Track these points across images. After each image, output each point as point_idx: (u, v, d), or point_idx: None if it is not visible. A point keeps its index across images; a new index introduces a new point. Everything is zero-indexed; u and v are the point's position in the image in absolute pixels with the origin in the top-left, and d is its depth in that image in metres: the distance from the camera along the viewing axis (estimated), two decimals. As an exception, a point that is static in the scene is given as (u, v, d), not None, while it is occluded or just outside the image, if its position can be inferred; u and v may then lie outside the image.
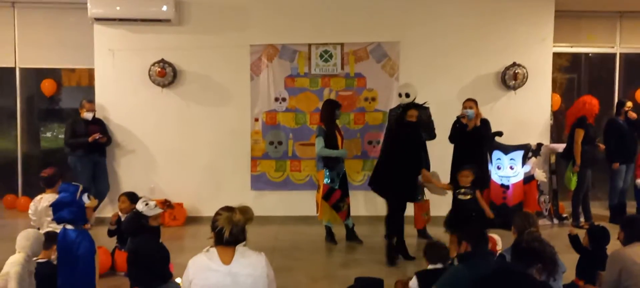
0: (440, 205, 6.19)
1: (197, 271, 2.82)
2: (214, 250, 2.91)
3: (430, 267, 3.86)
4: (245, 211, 3.00)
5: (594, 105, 7.02)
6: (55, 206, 3.96)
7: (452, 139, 6.25)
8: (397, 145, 5.69)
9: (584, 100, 7.12)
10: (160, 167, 7.42)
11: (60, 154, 8.81)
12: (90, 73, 8.24)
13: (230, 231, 2.89)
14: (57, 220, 3.94)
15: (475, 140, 6.04)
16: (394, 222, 5.65)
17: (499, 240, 4.60)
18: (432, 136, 6.36)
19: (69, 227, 3.89)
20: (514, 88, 7.39)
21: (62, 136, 9.01)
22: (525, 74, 7.33)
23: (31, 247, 3.90)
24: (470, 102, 6.08)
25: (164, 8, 6.96)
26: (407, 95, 6.41)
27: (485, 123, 6.19)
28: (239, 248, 2.93)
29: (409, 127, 5.61)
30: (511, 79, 7.33)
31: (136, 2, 6.99)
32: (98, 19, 7.04)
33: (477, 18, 7.41)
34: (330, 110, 6.21)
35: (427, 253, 3.93)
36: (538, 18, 7.43)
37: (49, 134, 8.94)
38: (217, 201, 7.21)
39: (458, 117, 6.13)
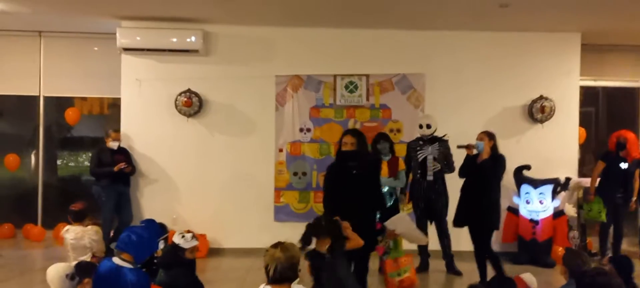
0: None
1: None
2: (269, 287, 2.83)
3: None
4: (287, 248, 2.95)
5: (612, 139, 6.96)
6: (130, 234, 3.67)
7: (461, 172, 5.69)
8: (331, 183, 4.91)
9: (616, 134, 7.07)
10: (184, 197, 7.35)
11: (77, 182, 8.81)
12: (102, 101, 8.28)
13: (274, 268, 2.83)
14: (120, 247, 3.61)
15: (482, 175, 5.39)
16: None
17: (531, 281, 4.09)
18: (452, 169, 6.25)
19: (123, 263, 3.55)
20: (541, 121, 7.33)
21: (72, 164, 9.02)
22: (553, 107, 7.27)
23: (61, 285, 3.81)
24: (482, 135, 5.50)
25: (192, 39, 6.98)
26: (428, 126, 6.33)
27: (497, 158, 5.44)
28: (294, 285, 2.85)
29: (345, 157, 4.86)
30: (538, 112, 7.28)
31: (165, 33, 7.02)
32: (126, 49, 7.05)
33: (504, 50, 7.41)
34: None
35: None
36: (564, 51, 7.42)
37: (59, 162, 8.92)
38: (239, 233, 7.37)
39: (460, 147, 5.62)
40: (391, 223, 5.17)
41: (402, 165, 6.23)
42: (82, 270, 3.98)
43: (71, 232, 5.21)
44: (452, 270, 6.35)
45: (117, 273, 3.47)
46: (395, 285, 5.30)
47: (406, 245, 6.28)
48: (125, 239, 3.60)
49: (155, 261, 4.51)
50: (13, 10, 6.72)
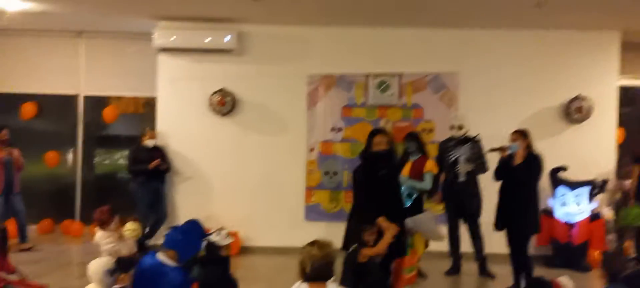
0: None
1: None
2: (304, 285, 2.85)
3: None
4: (323, 246, 2.97)
5: None
6: (175, 233, 3.77)
7: (496, 175, 5.44)
8: (361, 185, 4.70)
9: None
10: (217, 194, 7.45)
11: (112, 179, 9.03)
12: (136, 101, 8.45)
13: (310, 266, 2.85)
14: (167, 244, 3.68)
15: (518, 178, 5.19)
16: None
17: (568, 285, 3.93)
18: (484, 170, 6.16)
19: (166, 260, 3.60)
20: (578, 121, 7.17)
21: (107, 161, 9.24)
22: (590, 107, 7.11)
23: (102, 280, 3.91)
24: (516, 135, 5.28)
25: (227, 38, 7.09)
26: (460, 127, 6.25)
27: (532, 160, 5.23)
28: (330, 284, 2.87)
29: (379, 158, 4.66)
30: (575, 112, 7.12)
31: (200, 33, 7.14)
32: (163, 49, 7.20)
33: (539, 49, 7.28)
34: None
35: None
36: (603, 50, 7.25)
37: (95, 160, 9.14)
38: (270, 231, 7.43)
39: (492, 150, 5.42)
40: (411, 221, 5.11)
41: (429, 167, 5.97)
42: (121, 265, 4.09)
43: (97, 237, 5.32)
44: (484, 273, 6.26)
45: (159, 270, 3.53)
46: (405, 280, 5.27)
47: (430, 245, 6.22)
48: (172, 237, 3.67)
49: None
50: (55, 11, 6.93)
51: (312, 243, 3.00)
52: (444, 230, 5.87)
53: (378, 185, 4.60)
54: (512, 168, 5.21)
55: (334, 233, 7.14)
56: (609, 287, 3.44)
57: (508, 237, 5.40)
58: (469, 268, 6.37)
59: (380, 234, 4.40)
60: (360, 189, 4.69)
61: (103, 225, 5.18)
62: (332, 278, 2.93)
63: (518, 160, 5.18)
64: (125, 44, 8.07)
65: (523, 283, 5.20)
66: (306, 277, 2.90)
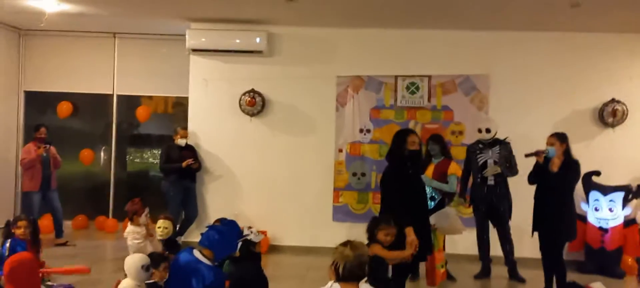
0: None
1: (321, 307, 2.78)
2: (337, 285, 2.87)
3: None
4: (356, 247, 2.98)
5: None
6: (213, 232, 3.80)
7: (531, 179, 5.35)
8: (396, 185, 4.54)
9: None
10: (246, 194, 7.54)
11: (144, 177, 9.23)
12: (166, 100, 8.61)
13: (343, 266, 2.87)
14: (203, 243, 3.74)
15: (555, 184, 5.09)
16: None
17: None
18: (514, 172, 6.09)
19: (202, 258, 3.65)
20: (613, 125, 7.03)
21: (138, 160, 9.44)
22: (625, 111, 6.97)
23: (138, 275, 4.01)
24: (553, 138, 5.18)
25: (258, 40, 7.17)
26: (488, 130, 6.19)
27: (571, 165, 5.17)
28: (363, 285, 2.88)
29: (415, 157, 4.60)
30: (609, 115, 6.99)
31: (231, 35, 7.24)
32: (195, 50, 7.32)
33: (572, 51, 7.16)
34: None
35: None
36: (638, 53, 7.08)
37: (127, 158, 9.33)
38: (298, 231, 7.49)
39: (528, 155, 5.28)
40: (433, 218, 5.13)
41: (453, 169, 5.97)
42: (153, 261, 4.19)
43: (126, 231, 5.43)
44: (515, 276, 6.19)
45: (195, 266, 3.59)
46: (440, 276, 5.43)
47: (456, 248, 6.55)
48: (209, 236, 3.73)
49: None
50: (90, 13, 7.12)
51: (345, 244, 3.01)
52: (462, 225, 5.79)
53: (410, 184, 4.56)
54: (548, 174, 5.09)
55: (361, 234, 7.20)
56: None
57: (541, 242, 5.32)
58: (499, 271, 6.30)
59: (398, 238, 4.34)
60: (395, 190, 4.53)
61: (134, 216, 5.29)
62: (364, 279, 2.94)
63: (555, 165, 5.07)
64: (158, 45, 8.25)
65: None
66: (339, 276, 2.91)
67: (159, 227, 5.31)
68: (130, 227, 5.42)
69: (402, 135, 4.67)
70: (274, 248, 7.36)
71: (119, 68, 8.43)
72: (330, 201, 7.48)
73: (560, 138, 5.18)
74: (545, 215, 5.17)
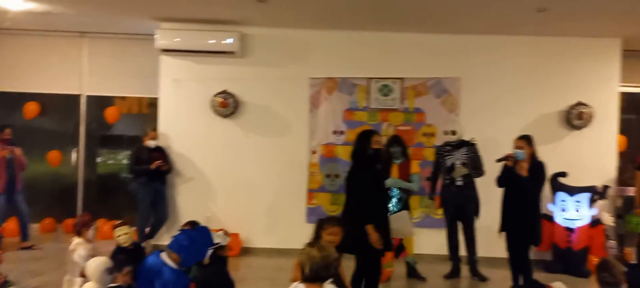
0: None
1: (286, 307, 2.77)
2: (301, 286, 2.87)
3: None
4: (323, 248, 2.99)
5: None
6: (183, 237, 3.76)
7: (500, 182, 5.39)
8: (361, 185, 4.64)
9: None
10: (218, 196, 7.47)
11: (115, 179, 9.07)
12: (140, 101, 8.48)
13: (309, 267, 2.87)
14: (172, 247, 3.69)
15: (523, 187, 5.16)
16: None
17: None
18: (481, 173, 6.17)
19: (168, 261, 3.62)
20: (579, 128, 7.19)
21: (111, 161, 9.27)
22: (591, 114, 7.13)
23: (101, 279, 3.93)
24: (522, 142, 5.24)
25: (230, 40, 7.11)
26: (453, 133, 6.26)
27: (538, 167, 5.26)
28: (327, 285, 2.88)
29: (379, 156, 4.73)
30: (576, 118, 7.14)
31: (203, 35, 7.16)
32: (165, 50, 7.23)
33: (541, 55, 7.30)
34: None
35: None
36: (604, 57, 7.26)
37: (99, 159, 9.17)
38: (272, 233, 7.45)
39: (499, 160, 5.30)
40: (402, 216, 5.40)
41: (414, 168, 6.13)
42: (117, 264, 4.11)
43: (72, 245, 5.10)
44: (476, 275, 6.28)
45: (159, 268, 3.56)
46: (387, 274, 5.86)
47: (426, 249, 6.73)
48: (179, 241, 3.68)
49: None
50: (57, 11, 6.96)
51: (312, 245, 3.02)
52: (412, 229, 5.97)
53: (373, 183, 4.64)
54: (517, 178, 5.14)
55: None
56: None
57: (508, 242, 5.41)
58: (465, 271, 6.37)
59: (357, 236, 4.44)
60: (359, 188, 4.60)
61: (82, 230, 5.08)
62: (329, 280, 2.94)
63: (524, 169, 5.12)
64: (127, 44, 8.10)
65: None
66: (305, 277, 2.90)
67: (118, 236, 5.09)
68: (77, 240, 5.14)
69: (367, 134, 4.79)
70: (247, 251, 7.32)
71: (87, 68, 8.25)
72: (303, 203, 7.47)
73: (528, 141, 5.25)
74: (513, 218, 5.25)
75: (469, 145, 6.26)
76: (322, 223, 4.24)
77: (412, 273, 6.24)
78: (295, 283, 2.96)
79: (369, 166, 4.63)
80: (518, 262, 5.35)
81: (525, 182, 5.11)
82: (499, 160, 5.31)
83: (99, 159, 9.15)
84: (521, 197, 5.17)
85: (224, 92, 7.30)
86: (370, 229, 4.46)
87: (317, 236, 4.20)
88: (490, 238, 6.09)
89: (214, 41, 7.13)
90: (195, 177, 7.46)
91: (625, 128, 8.10)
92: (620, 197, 7.26)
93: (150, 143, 7.11)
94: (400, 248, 6.12)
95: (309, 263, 2.86)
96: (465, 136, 6.33)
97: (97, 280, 3.88)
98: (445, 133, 6.35)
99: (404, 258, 6.22)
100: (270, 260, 7.01)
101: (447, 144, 6.33)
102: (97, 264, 4.02)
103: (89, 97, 8.43)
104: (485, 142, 6.40)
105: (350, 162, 4.86)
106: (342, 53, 7.43)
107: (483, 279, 6.22)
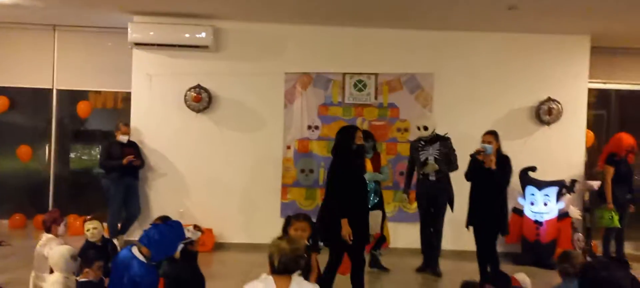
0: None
1: (252, 300, 2.79)
2: (270, 278, 2.89)
3: None
4: (293, 241, 3.02)
5: (624, 141, 6.93)
6: (154, 231, 3.76)
7: (468, 176, 5.55)
8: (345, 178, 4.77)
9: (618, 137, 7.06)
10: (191, 191, 7.44)
11: (88, 175, 8.94)
12: (116, 95, 8.37)
13: (278, 260, 2.89)
14: (143, 241, 3.69)
15: (491, 180, 5.30)
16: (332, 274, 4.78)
17: (527, 282, 4.16)
18: (454, 168, 6.24)
19: (138, 255, 3.63)
20: (548, 123, 7.33)
21: (85, 157, 9.13)
22: (560, 109, 7.28)
23: (66, 266, 3.89)
24: (490, 136, 5.38)
25: (203, 35, 7.08)
26: (425, 128, 6.31)
27: (505, 161, 5.40)
28: (295, 277, 2.91)
29: (363, 152, 4.95)
30: (545, 113, 7.28)
31: (176, 29, 7.12)
32: (137, 44, 7.15)
33: (512, 52, 7.42)
34: None
35: None
36: (573, 53, 7.42)
37: (73, 155, 9.04)
38: (246, 228, 7.44)
39: (474, 155, 5.43)
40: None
41: (384, 161, 6.41)
42: (87, 259, 4.06)
43: (40, 242, 4.94)
44: (434, 268, 6.33)
45: (128, 262, 3.58)
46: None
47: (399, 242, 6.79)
48: (150, 235, 3.69)
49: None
50: (27, 4, 6.84)
51: (282, 237, 3.04)
52: (379, 227, 6.08)
53: (355, 178, 4.75)
54: (484, 171, 5.27)
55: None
56: (562, 285, 3.55)
57: (477, 235, 5.51)
58: (440, 265, 6.43)
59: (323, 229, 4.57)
60: (341, 183, 4.70)
61: (52, 226, 5.00)
62: (297, 272, 2.97)
63: (493, 162, 5.25)
64: (100, 38, 7.97)
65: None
66: (273, 269, 2.93)
67: (87, 230, 5.02)
68: (46, 236, 5.05)
69: (350, 130, 4.90)
70: (220, 246, 7.30)
71: (59, 62, 8.11)
72: (278, 198, 7.48)
73: (495, 136, 5.39)
74: (481, 210, 5.37)
75: (443, 140, 6.33)
76: (289, 219, 4.27)
77: (376, 263, 6.31)
78: (264, 275, 2.98)
79: (351, 162, 4.73)
80: (486, 253, 5.46)
81: (496, 175, 5.25)
82: (473, 155, 5.43)
83: (72, 155, 9.02)
84: (489, 189, 5.32)
85: (197, 86, 7.27)
86: (344, 223, 4.56)
87: (285, 232, 4.22)
88: (461, 232, 6.17)
89: (188, 35, 7.10)
90: (168, 172, 7.42)
91: (596, 123, 8.33)
92: (587, 191, 7.43)
93: (122, 138, 7.04)
94: (382, 240, 6.23)
95: (278, 255, 2.89)
96: (439, 131, 6.39)
97: (62, 268, 3.83)
98: (418, 128, 6.41)
99: (385, 249, 6.32)
100: (244, 255, 7.00)
101: (421, 139, 6.40)
102: (61, 252, 3.95)
103: (61, 92, 8.29)
104: (458, 136, 6.47)
105: (332, 157, 4.94)
106: (316, 48, 7.45)
107: (437, 274, 6.28)
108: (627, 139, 6.99)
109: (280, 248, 2.90)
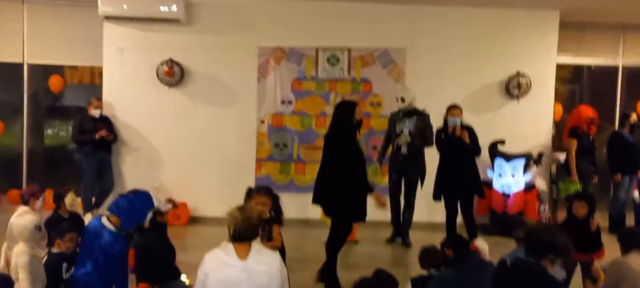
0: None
1: (214, 265, 2.89)
2: (230, 245, 2.99)
3: (424, 273, 3.92)
4: (245, 210, 3.12)
5: (582, 113, 7.12)
6: (123, 200, 3.81)
7: (441, 145, 5.95)
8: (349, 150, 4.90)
9: (577, 110, 7.25)
10: (165, 165, 7.47)
11: (63, 151, 8.90)
12: (92, 71, 8.30)
13: (234, 228, 2.98)
14: (111, 209, 3.74)
15: (464, 148, 5.75)
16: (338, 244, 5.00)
17: (484, 248, 4.32)
18: (428, 143, 6.35)
19: (107, 224, 3.67)
20: (518, 97, 7.46)
21: (63, 133, 9.07)
22: (529, 84, 7.40)
23: (31, 236, 3.93)
24: (458, 110, 5.81)
25: (174, 8, 7.03)
26: (402, 100, 6.42)
27: (471, 130, 5.85)
28: (255, 245, 3.01)
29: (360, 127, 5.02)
30: (515, 88, 7.41)
31: (146, 2, 7.06)
32: (108, 17, 7.09)
33: (483, 26, 7.49)
34: None
35: (421, 260, 3.99)
36: (543, 28, 7.52)
37: (50, 131, 8.99)
38: (220, 202, 7.31)
39: (450, 133, 5.76)
40: None
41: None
42: (59, 230, 4.10)
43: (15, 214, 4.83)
44: (404, 239, 6.51)
45: (98, 231, 3.63)
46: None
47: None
48: (119, 203, 3.74)
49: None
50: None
51: (237, 207, 3.12)
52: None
53: (357, 152, 4.91)
54: (456, 141, 5.68)
55: (284, 203, 7.37)
56: (516, 251, 3.71)
57: (449, 204, 5.89)
58: (411, 237, 6.58)
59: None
60: (344, 157, 4.82)
61: (30, 199, 5.00)
62: (256, 239, 3.06)
63: (465, 137, 5.67)
64: (70, 11, 7.84)
65: None
66: (232, 237, 3.02)
67: (67, 200, 5.08)
68: (22, 209, 5.06)
69: (351, 106, 4.97)
70: (195, 220, 7.36)
71: (29, 36, 7.98)
72: (252, 172, 7.54)
73: (461, 109, 5.78)
74: (456, 179, 5.72)
75: (421, 115, 6.41)
76: (250, 192, 4.32)
77: None
78: (225, 243, 3.08)
79: (351, 137, 4.86)
80: (470, 220, 5.91)
81: (470, 147, 5.71)
82: (451, 132, 5.72)
83: (50, 131, 8.97)
84: (461, 158, 5.73)
85: (169, 60, 7.24)
86: (376, 196, 4.92)
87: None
88: (432, 204, 6.31)
89: (158, 8, 7.03)
90: (141, 146, 7.43)
91: (569, 98, 8.49)
92: (554, 163, 7.62)
93: (95, 112, 7.02)
94: None
95: (232, 223, 2.98)
96: (417, 106, 6.47)
97: (26, 238, 3.85)
98: (396, 99, 6.50)
99: None
100: (219, 229, 6.95)
101: (399, 111, 6.47)
102: (25, 223, 3.98)
103: (32, 66, 8.18)
104: (430, 110, 6.53)
105: (331, 132, 5.00)
106: (290, 22, 7.45)
107: (407, 245, 6.45)
108: (586, 111, 7.19)
109: (233, 217, 3.01)
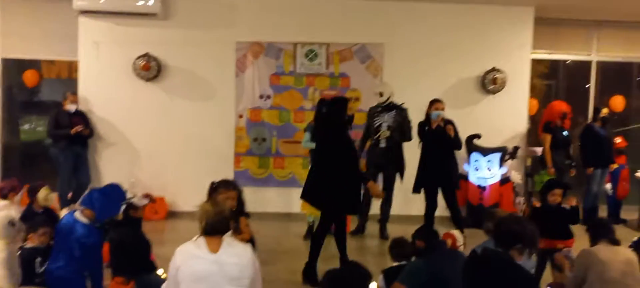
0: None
1: (184, 259, 2.91)
2: (202, 239, 3.01)
3: (395, 264, 3.97)
4: (217, 204, 3.15)
5: (555, 108, 7.26)
6: (96, 192, 3.87)
7: (425, 135, 6.02)
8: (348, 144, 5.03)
9: (550, 105, 7.39)
10: (143, 160, 7.43)
11: (39, 146, 8.78)
12: (70, 65, 8.20)
13: (206, 221, 3.01)
14: (84, 203, 3.80)
15: (446, 140, 5.88)
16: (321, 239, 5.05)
17: (459, 237, 4.43)
18: (406, 138, 6.42)
19: (81, 218, 3.72)
20: (493, 92, 7.56)
21: (40, 128, 8.94)
22: (504, 79, 7.50)
23: (5, 232, 3.90)
24: (441, 104, 5.93)
25: (151, 2, 6.99)
26: (381, 95, 6.48)
27: (451, 123, 5.97)
28: (226, 238, 3.03)
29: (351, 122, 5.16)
30: (490, 83, 7.50)
31: (123, -4, 7.00)
32: (83, 11, 7.01)
33: (460, 22, 7.57)
34: None
35: (392, 251, 4.05)
36: (518, 24, 7.62)
37: (27, 126, 8.85)
38: (198, 196, 7.14)
39: (431, 125, 5.91)
40: None
41: None
42: (33, 225, 4.09)
43: None
44: (383, 234, 6.57)
45: (72, 225, 3.67)
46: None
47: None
48: (92, 196, 3.80)
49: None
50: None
51: (209, 201, 3.14)
52: None
53: (350, 146, 5.01)
54: (445, 137, 5.84)
55: (262, 198, 7.45)
56: (487, 242, 3.78)
57: (429, 197, 6.01)
58: (373, 229, 6.66)
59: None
60: (338, 152, 4.88)
61: (9, 193, 4.96)
62: (228, 233, 3.08)
63: (451, 130, 5.85)
64: (46, 5, 7.74)
65: None
66: (203, 231, 3.04)
67: (39, 199, 5.01)
68: (2, 203, 5.01)
69: (344, 102, 5.07)
70: (173, 214, 7.34)
71: (3, 30, 7.84)
72: (231, 166, 7.53)
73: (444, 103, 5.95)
74: (439, 171, 5.90)
75: (399, 110, 6.46)
76: (217, 187, 4.31)
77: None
78: (196, 237, 3.09)
79: (344, 132, 4.93)
80: (456, 211, 6.07)
81: (454, 141, 5.91)
82: (437, 126, 5.85)
83: (27, 126, 8.84)
84: (444, 151, 5.90)
85: (146, 55, 7.19)
86: (371, 186, 5.15)
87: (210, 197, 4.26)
88: (410, 197, 6.38)
89: (135, 2, 6.97)
90: (118, 141, 7.38)
91: (547, 93, 8.61)
92: (529, 157, 7.75)
93: (70, 107, 6.95)
94: None
95: (204, 217, 3.00)
96: (395, 101, 6.51)
97: (0, 234, 3.84)
98: (374, 94, 6.56)
99: None
100: (196, 223, 7.03)
101: (378, 105, 6.52)
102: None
103: (7, 60, 8.05)
104: (408, 105, 6.59)
105: (322, 127, 5.05)
106: (267, 17, 7.45)
107: (384, 237, 6.50)
108: (558, 105, 7.34)
109: (204, 210, 3.03)
